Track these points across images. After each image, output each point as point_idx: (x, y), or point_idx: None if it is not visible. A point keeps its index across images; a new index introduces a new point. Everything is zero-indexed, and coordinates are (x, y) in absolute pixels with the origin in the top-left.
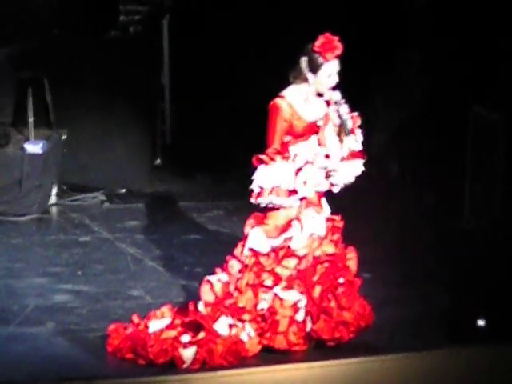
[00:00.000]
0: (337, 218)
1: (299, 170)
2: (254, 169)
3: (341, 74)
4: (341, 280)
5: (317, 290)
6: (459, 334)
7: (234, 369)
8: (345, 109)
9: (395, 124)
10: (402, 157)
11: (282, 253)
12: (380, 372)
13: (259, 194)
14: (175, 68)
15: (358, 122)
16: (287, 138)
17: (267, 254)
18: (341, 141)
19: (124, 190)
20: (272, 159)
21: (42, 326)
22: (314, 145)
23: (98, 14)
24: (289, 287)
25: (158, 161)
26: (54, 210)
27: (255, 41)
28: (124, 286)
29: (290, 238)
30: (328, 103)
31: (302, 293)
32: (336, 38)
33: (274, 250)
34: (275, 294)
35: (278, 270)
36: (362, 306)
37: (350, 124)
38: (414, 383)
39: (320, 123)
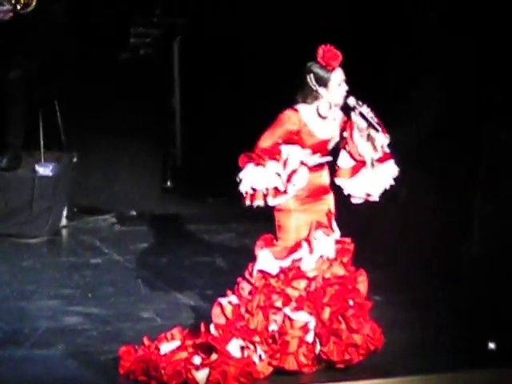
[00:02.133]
0: (347, 240)
1: (294, 171)
2: (239, 168)
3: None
4: (351, 302)
5: (326, 312)
6: (468, 357)
7: None
8: (366, 109)
9: (404, 147)
10: (411, 180)
11: (292, 274)
12: None
13: (253, 197)
14: (186, 90)
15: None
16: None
17: (277, 276)
18: (372, 143)
19: (134, 213)
20: (262, 159)
21: (54, 348)
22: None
23: (108, 36)
24: (298, 308)
25: (169, 183)
26: (64, 232)
27: (269, 62)
28: (135, 308)
29: (299, 260)
30: (345, 113)
31: (311, 314)
32: (333, 48)
33: (284, 271)
34: (285, 315)
35: (288, 291)
36: (371, 329)
37: (376, 122)
38: None
39: (345, 135)
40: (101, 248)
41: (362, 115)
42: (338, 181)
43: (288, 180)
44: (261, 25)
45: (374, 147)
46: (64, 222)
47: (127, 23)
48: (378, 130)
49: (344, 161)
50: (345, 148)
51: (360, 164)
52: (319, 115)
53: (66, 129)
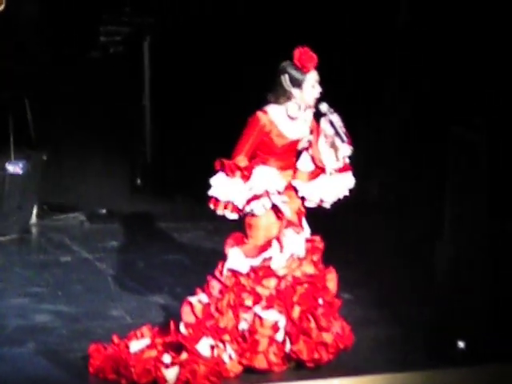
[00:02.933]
0: (317, 238)
1: (255, 197)
2: (214, 172)
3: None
4: (320, 301)
5: (296, 311)
6: (438, 356)
7: None
8: (336, 117)
9: (375, 146)
10: (381, 178)
11: (262, 273)
12: None
13: (215, 205)
14: (156, 89)
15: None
16: (260, 154)
17: (247, 274)
18: (335, 152)
19: (104, 211)
20: (232, 172)
21: (23, 346)
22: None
23: (78, 35)
24: (269, 307)
25: (139, 181)
26: (34, 230)
27: (237, 61)
28: (104, 306)
29: (269, 258)
30: (316, 117)
31: (281, 313)
32: (309, 50)
33: (254, 269)
34: (255, 314)
35: (258, 289)
36: (341, 327)
37: (343, 132)
38: None
39: (310, 138)
40: (70, 246)
41: (331, 123)
42: (294, 182)
43: (247, 203)
44: (232, 23)
45: (336, 156)
46: (34, 219)
47: (97, 22)
48: (343, 141)
49: (304, 164)
50: (307, 151)
51: (319, 170)
52: (289, 116)
53: (35, 127)
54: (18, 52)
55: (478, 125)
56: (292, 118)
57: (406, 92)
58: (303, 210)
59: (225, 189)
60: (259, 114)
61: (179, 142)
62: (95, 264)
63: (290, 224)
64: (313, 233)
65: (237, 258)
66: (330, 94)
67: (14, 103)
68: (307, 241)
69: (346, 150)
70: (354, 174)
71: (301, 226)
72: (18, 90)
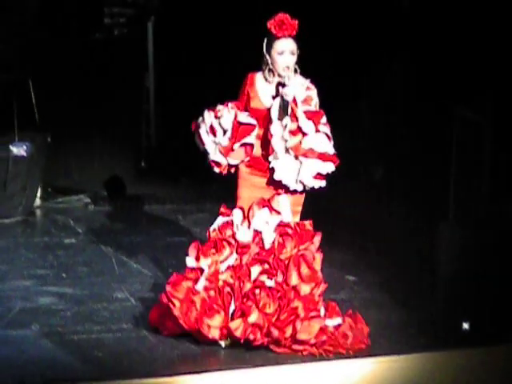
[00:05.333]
0: (306, 222)
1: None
2: None
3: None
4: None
5: (247, 287)
6: (443, 337)
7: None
8: (288, 91)
9: (380, 127)
10: (386, 160)
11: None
12: (362, 375)
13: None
14: (160, 70)
15: (323, 119)
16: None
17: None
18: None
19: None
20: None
21: (28, 328)
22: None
23: (82, 16)
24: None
25: (143, 163)
26: (38, 212)
27: (244, 43)
28: (109, 288)
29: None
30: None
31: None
32: (288, 16)
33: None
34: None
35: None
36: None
37: (289, 107)
38: None
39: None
40: (75, 228)
41: (281, 94)
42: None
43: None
44: (236, 4)
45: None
46: (38, 202)
47: (102, 3)
48: (286, 115)
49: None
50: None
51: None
52: (266, 80)
53: (40, 109)
54: (22, 34)
55: (483, 106)
56: (269, 83)
57: (411, 74)
58: (282, 192)
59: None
60: (249, 74)
61: (184, 124)
62: (99, 246)
63: (263, 203)
64: (317, 216)
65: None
66: (338, 74)
67: (18, 85)
68: (290, 225)
69: (286, 121)
70: (359, 157)
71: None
72: (21, 72)
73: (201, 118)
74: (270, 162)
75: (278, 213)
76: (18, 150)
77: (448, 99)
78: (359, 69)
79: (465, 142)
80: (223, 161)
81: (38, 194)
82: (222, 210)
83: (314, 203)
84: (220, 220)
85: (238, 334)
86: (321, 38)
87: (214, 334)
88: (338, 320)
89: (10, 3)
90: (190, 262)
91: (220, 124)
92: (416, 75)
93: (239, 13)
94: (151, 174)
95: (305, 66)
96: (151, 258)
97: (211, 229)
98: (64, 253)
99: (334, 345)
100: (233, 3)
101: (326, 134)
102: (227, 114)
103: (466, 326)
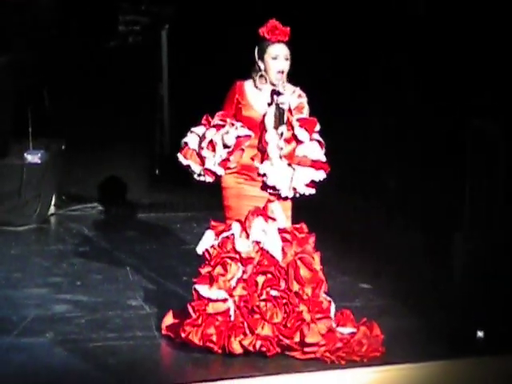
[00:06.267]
0: (299, 227)
1: (206, 131)
2: None
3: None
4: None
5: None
6: (457, 346)
7: None
8: (284, 98)
9: (392, 137)
10: (399, 171)
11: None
12: (378, 382)
13: (181, 150)
14: (174, 78)
15: (317, 127)
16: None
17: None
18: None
19: (123, 200)
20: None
21: (42, 336)
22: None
23: (97, 24)
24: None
25: (157, 171)
26: (52, 219)
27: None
28: (123, 295)
29: (230, 238)
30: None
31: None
32: (278, 23)
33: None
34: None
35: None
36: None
37: (285, 115)
38: None
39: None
40: (89, 236)
41: (276, 103)
42: (255, 162)
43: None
44: (249, 11)
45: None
46: (52, 209)
47: (116, 11)
48: (282, 124)
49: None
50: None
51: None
52: (256, 87)
53: (54, 116)
54: (36, 41)
55: (497, 117)
56: (260, 90)
57: (425, 84)
58: (273, 199)
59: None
60: (236, 82)
61: None
62: (113, 254)
63: (258, 212)
64: (330, 225)
65: (206, 240)
66: (348, 81)
67: (33, 93)
68: (288, 231)
69: (282, 129)
70: (371, 168)
71: (269, 216)
72: (36, 80)
73: (195, 135)
74: (259, 169)
75: (274, 219)
76: (33, 157)
77: (463, 110)
78: (371, 79)
79: (479, 152)
80: (221, 172)
81: (53, 202)
82: (213, 223)
83: (328, 213)
84: (211, 235)
85: (251, 349)
86: (333, 43)
87: (239, 349)
88: (351, 328)
89: (26, 12)
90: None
91: (223, 139)
92: (430, 86)
93: (255, 22)
94: (165, 181)
95: (315, 71)
96: (165, 265)
97: (208, 246)
98: (78, 260)
99: (349, 352)
100: (246, 12)
101: (319, 142)
102: (233, 130)
103: (480, 334)
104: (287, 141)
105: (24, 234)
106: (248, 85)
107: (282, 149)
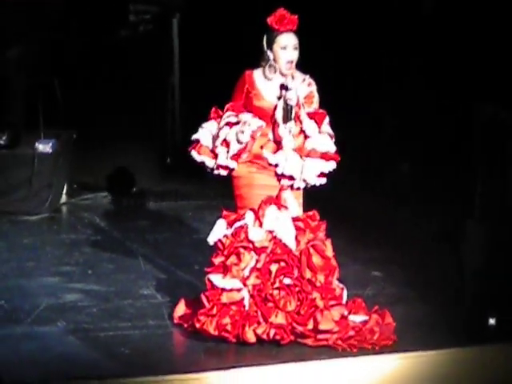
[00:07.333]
0: (311, 214)
1: (220, 129)
2: None
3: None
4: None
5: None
6: (469, 333)
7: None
8: (291, 94)
9: (404, 124)
10: (412, 157)
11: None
12: (388, 371)
13: (194, 147)
14: (185, 67)
15: (326, 119)
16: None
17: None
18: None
19: (134, 189)
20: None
21: (54, 325)
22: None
23: (107, 14)
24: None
25: (169, 160)
26: (64, 209)
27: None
28: (135, 285)
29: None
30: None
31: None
32: (287, 12)
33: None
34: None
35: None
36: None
37: (293, 111)
38: (425, 382)
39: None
40: (100, 225)
41: (285, 97)
42: (264, 152)
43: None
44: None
45: (287, 131)
46: (64, 198)
47: (126, 0)
48: (290, 119)
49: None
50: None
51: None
52: (265, 77)
53: (65, 105)
54: (48, 31)
55: (507, 103)
56: (269, 80)
57: (434, 71)
58: (285, 187)
59: (204, 133)
60: (245, 72)
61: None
62: (125, 243)
63: (271, 200)
64: (342, 214)
65: (218, 229)
66: (358, 72)
67: (44, 83)
68: (300, 219)
69: (291, 125)
70: (385, 154)
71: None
72: (47, 71)
73: (207, 131)
74: (271, 159)
75: (286, 208)
76: (44, 147)
77: (472, 96)
78: (382, 68)
79: (489, 138)
80: (234, 165)
81: (64, 191)
82: (225, 212)
83: (340, 201)
84: (223, 225)
85: (265, 337)
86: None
87: (253, 338)
88: (363, 316)
89: (37, 4)
90: (218, 281)
91: (237, 137)
92: (439, 72)
93: (266, 10)
94: (177, 170)
95: (328, 66)
96: (177, 254)
97: (220, 236)
98: (90, 250)
99: (360, 340)
100: (258, 1)
101: (329, 134)
102: (247, 128)
103: (492, 321)
104: (296, 135)
105: (36, 224)
106: (257, 74)
107: (291, 142)
